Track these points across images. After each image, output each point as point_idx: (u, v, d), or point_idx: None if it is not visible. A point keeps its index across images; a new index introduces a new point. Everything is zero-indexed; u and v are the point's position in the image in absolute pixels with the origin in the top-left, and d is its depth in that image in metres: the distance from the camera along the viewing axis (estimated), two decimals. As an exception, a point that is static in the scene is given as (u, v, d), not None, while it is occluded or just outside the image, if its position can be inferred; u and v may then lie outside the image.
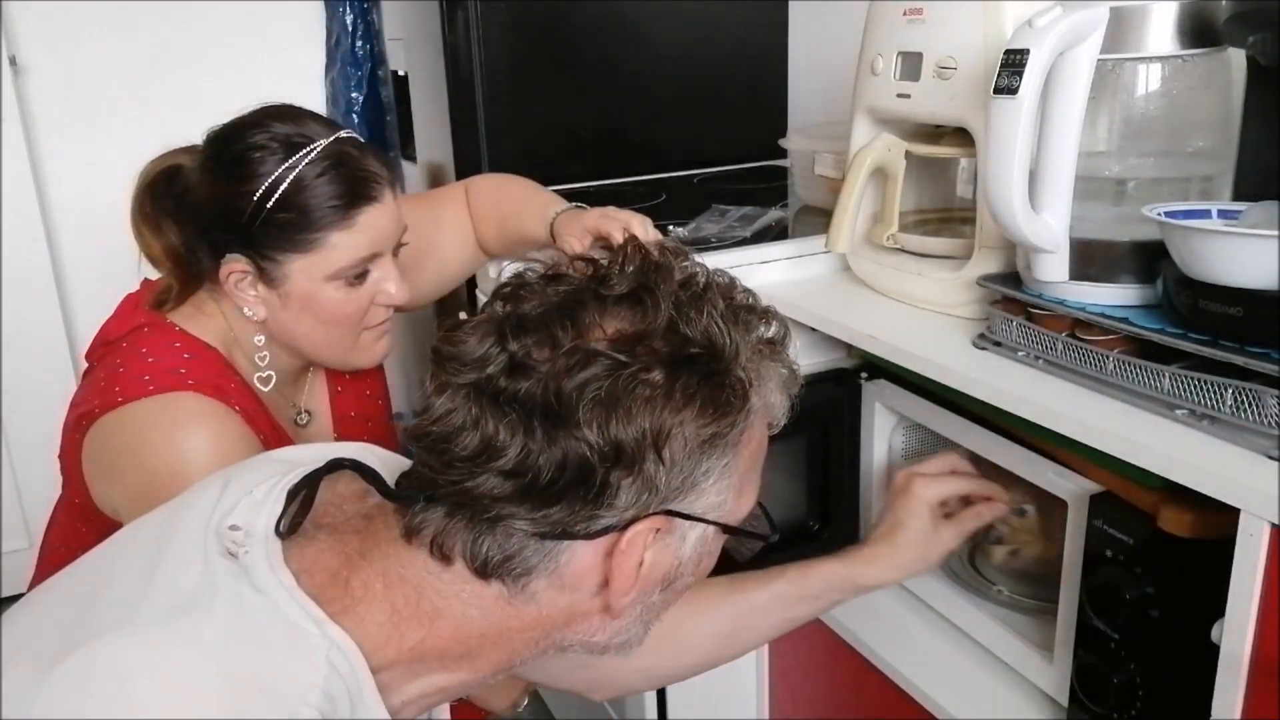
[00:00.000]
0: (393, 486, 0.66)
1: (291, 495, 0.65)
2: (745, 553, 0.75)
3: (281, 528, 0.64)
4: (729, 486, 0.65)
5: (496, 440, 0.59)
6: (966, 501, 1.05)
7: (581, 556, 0.63)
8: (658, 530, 0.63)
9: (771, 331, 0.68)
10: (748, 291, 0.69)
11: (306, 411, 1.18)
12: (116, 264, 1.15)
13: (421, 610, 0.63)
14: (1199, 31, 0.88)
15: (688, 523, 0.65)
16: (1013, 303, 0.97)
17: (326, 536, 0.65)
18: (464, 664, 0.66)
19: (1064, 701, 0.98)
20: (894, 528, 1.00)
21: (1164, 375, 0.81)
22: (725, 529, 0.67)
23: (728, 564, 0.75)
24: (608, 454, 0.59)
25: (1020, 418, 0.89)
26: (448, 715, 0.78)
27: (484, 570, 0.62)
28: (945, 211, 1.25)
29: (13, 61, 2.32)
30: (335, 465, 0.68)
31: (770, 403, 0.67)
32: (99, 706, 0.55)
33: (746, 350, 0.64)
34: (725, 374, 0.62)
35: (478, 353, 0.61)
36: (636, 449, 0.59)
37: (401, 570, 0.63)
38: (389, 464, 0.71)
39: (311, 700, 0.57)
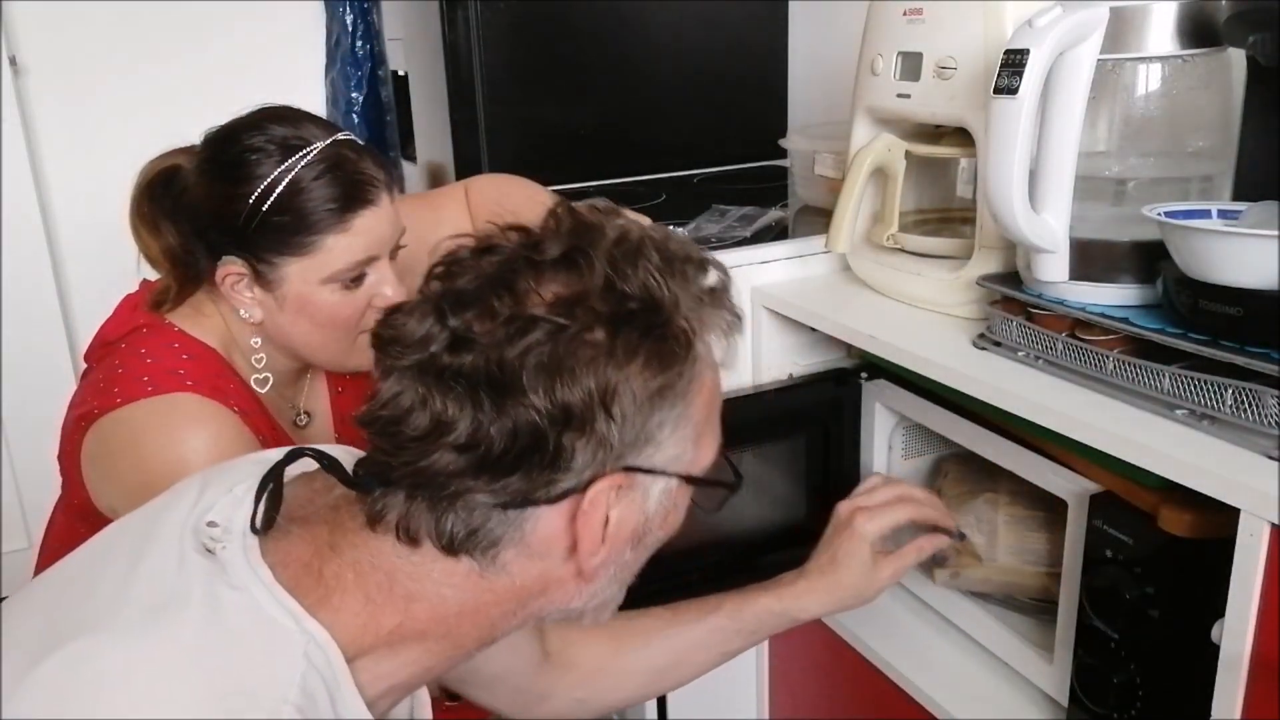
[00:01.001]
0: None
1: (260, 491, 0.65)
2: (711, 505, 0.74)
3: (256, 524, 0.64)
4: (686, 438, 0.65)
5: (445, 416, 0.59)
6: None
7: (547, 523, 0.63)
8: (619, 487, 0.63)
9: (711, 280, 0.67)
10: (684, 242, 0.68)
11: (306, 413, 1.18)
12: (116, 264, 1.15)
13: (395, 595, 0.63)
14: (1199, 31, 0.88)
15: (649, 477, 0.64)
16: (1013, 303, 0.97)
17: (299, 529, 0.65)
18: (445, 642, 0.66)
19: (1064, 701, 0.98)
20: (832, 563, 1.00)
21: (1164, 375, 0.81)
22: (689, 480, 0.67)
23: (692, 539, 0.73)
24: (557, 417, 0.59)
25: (1020, 418, 0.89)
26: (429, 714, 0.78)
27: (451, 547, 0.62)
28: (945, 211, 1.25)
29: (13, 61, 2.32)
30: (295, 454, 0.68)
31: (717, 349, 0.67)
32: (75, 708, 0.56)
33: (687, 300, 0.64)
34: (667, 325, 0.62)
35: (419, 333, 0.61)
36: (585, 409, 0.59)
37: (371, 559, 0.63)
38: None
39: (290, 697, 0.57)
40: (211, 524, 0.64)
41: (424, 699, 0.78)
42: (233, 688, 0.57)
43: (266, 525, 0.64)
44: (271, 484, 0.65)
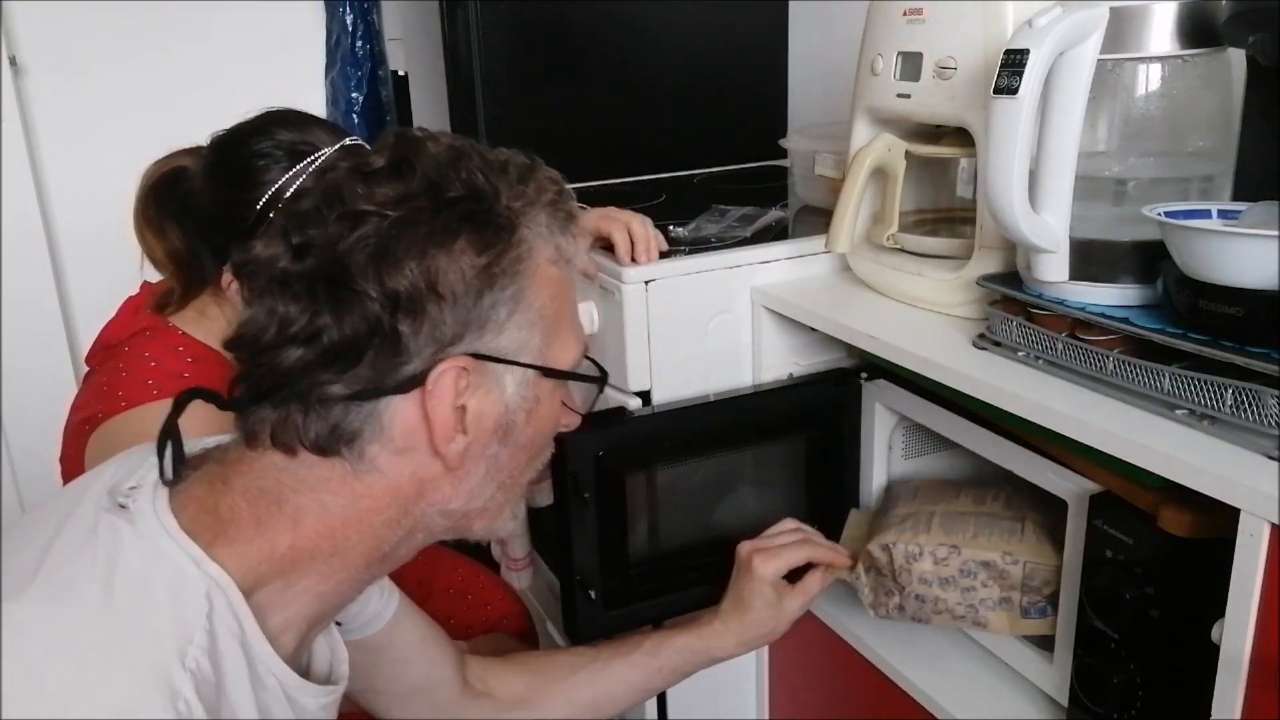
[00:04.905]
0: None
1: (161, 444, 0.67)
2: (581, 406, 0.77)
3: (165, 475, 0.66)
4: (529, 324, 0.68)
5: (289, 315, 0.63)
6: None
7: (403, 413, 0.65)
8: (465, 371, 0.65)
9: (538, 179, 0.71)
10: (514, 152, 0.71)
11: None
12: (117, 265, 1.15)
13: (284, 515, 0.66)
14: (1199, 31, 0.88)
15: (500, 366, 0.67)
16: (1013, 303, 0.97)
17: (197, 474, 0.68)
18: (335, 561, 0.68)
19: (1064, 701, 0.98)
20: (739, 605, 1.05)
21: (1164, 375, 0.81)
22: (547, 373, 0.70)
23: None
24: (387, 303, 0.62)
25: (1020, 418, 0.89)
26: (346, 670, 0.80)
27: (319, 448, 0.65)
28: (945, 211, 1.25)
29: (13, 61, 2.32)
30: (186, 397, 0.70)
31: (550, 241, 0.70)
32: None
33: (509, 192, 0.67)
34: (488, 211, 0.66)
35: (268, 254, 0.65)
36: (413, 292, 0.62)
37: (259, 482, 0.66)
38: None
39: (196, 639, 0.60)
40: (132, 487, 0.67)
41: (342, 654, 0.80)
42: (140, 637, 0.59)
43: (175, 476, 0.67)
44: (170, 437, 0.67)
